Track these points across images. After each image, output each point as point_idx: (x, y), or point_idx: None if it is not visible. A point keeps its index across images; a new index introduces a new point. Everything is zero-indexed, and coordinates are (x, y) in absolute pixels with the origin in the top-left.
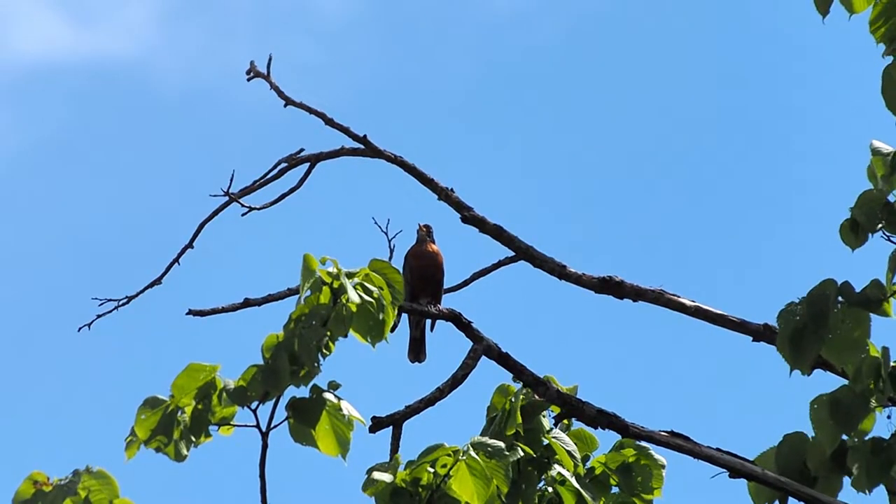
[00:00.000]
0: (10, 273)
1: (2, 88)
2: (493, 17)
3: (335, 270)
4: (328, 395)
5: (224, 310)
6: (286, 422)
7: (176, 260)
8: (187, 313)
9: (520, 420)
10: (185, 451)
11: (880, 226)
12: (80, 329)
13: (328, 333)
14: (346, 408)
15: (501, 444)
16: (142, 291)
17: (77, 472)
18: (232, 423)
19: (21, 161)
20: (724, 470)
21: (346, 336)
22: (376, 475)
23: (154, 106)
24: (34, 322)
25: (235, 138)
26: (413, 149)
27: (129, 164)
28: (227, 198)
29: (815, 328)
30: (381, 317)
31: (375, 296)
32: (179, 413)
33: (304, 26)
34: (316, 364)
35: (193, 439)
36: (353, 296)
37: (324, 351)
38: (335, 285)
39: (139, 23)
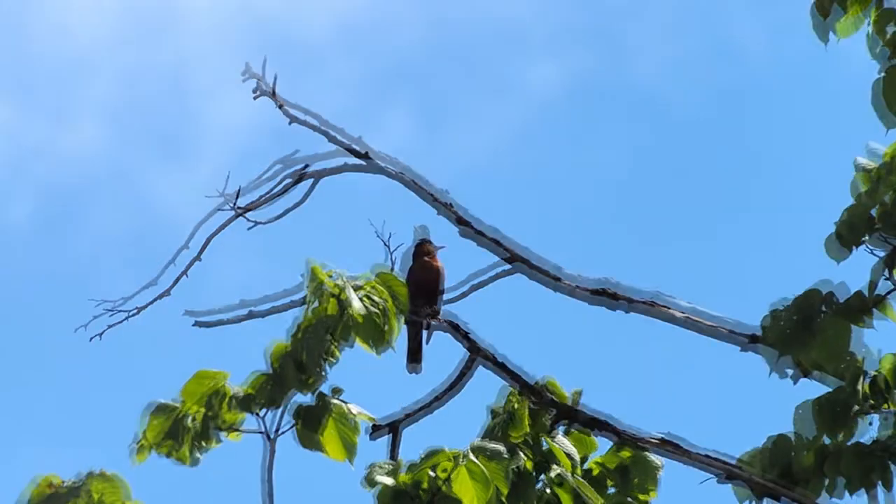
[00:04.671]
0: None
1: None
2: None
3: (342, 282)
4: (334, 401)
5: (229, 321)
6: (292, 428)
7: (184, 272)
8: (193, 325)
9: (527, 429)
10: (197, 455)
11: (864, 239)
12: (91, 339)
13: (334, 343)
14: (354, 408)
15: (501, 448)
16: (151, 303)
17: (90, 474)
18: (240, 429)
19: None
20: (715, 475)
21: (352, 346)
22: (378, 478)
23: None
24: (48, 331)
25: (241, 151)
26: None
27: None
28: (233, 212)
29: (799, 333)
30: (386, 326)
31: (381, 307)
32: (189, 419)
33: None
34: (322, 372)
35: (203, 444)
36: (358, 306)
37: (330, 359)
38: (342, 297)
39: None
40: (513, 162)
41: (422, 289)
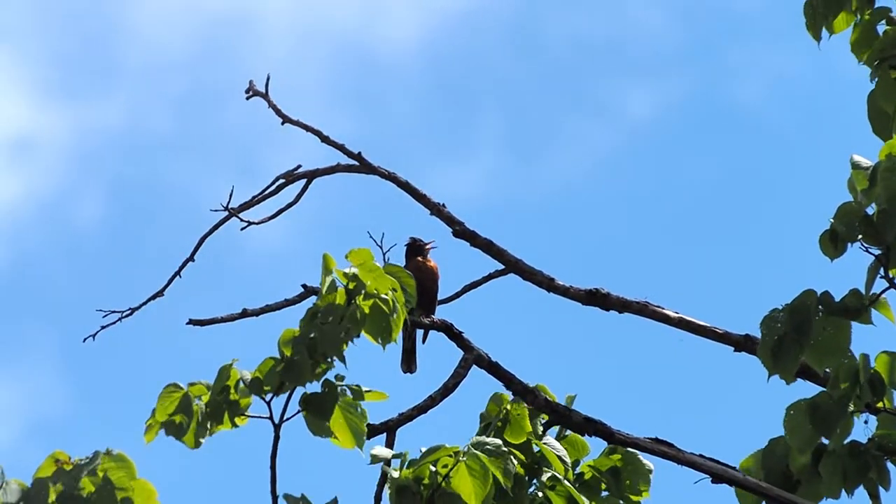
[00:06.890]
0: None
1: None
2: None
3: (350, 271)
4: (340, 387)
5: (223, 319)
6: (299, 414)
7: (178, 273)
8: (187, 323)
9: (530, 428)
10: (201, 439)
11: (859, 237)
12: (84, 340)
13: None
14: (363, 388)
15: (500, 442)
16: (144, 303)
17: (97, 453)
18: (246, 413)
19: None
20: (707, 475)
21: (358, 336)
22: (386, 469)
23: None
24: (50, 333)
25: (237, 157)
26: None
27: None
28: (226, 212)
29: (796, 336)
30: (394, 316)
31: (389, 297)
32: (196, 401)
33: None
34: (339, 358)
35: (209, 427)
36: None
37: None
38: (350, 286)
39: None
40: (604, 186)
41: (419, 289)
